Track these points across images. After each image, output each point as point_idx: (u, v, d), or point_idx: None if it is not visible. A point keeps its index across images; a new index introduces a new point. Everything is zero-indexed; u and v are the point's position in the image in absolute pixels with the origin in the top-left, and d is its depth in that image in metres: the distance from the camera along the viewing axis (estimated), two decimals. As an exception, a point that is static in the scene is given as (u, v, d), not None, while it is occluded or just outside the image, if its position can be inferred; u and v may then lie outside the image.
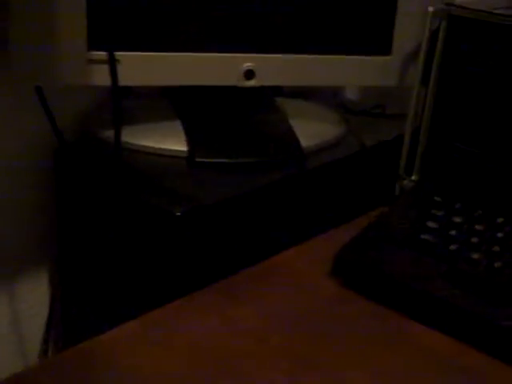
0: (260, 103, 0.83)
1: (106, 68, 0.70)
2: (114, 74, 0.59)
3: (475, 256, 0.60)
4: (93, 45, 0.68)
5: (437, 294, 0.57)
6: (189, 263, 0.67)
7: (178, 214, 0.64)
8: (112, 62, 0.58)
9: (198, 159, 0.73)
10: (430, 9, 0.72)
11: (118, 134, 0.71)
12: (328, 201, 0.78)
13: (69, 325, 0.89)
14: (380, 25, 0.78)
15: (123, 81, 0.71)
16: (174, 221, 0.64)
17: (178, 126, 0.77)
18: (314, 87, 0.92)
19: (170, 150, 0.74)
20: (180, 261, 0.67)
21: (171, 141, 0.75)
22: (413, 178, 0.78)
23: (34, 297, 0.89)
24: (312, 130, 0.81)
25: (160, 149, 0.75)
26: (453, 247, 0.61)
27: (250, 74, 0.74)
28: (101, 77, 0.70)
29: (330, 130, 0.83)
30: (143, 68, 0.71)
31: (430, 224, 0.65)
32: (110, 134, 0.75)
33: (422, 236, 0.63)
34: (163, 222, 0.65)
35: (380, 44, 0.78)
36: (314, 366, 0.54)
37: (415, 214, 0.67)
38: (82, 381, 0.51)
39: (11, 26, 0.66)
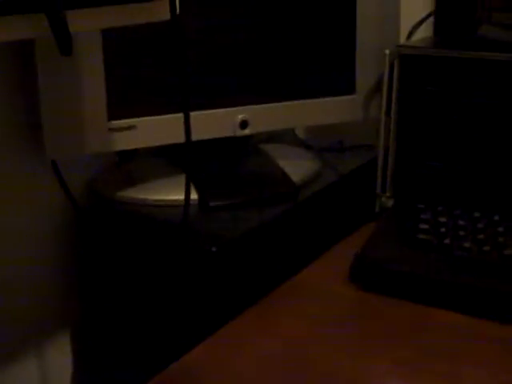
0: (247, 150, 0.95)
1: (124, 134, 0.80)
2: (187, 129, 0.69)
3: (467, 245, 0.73)
4: (112, 115, 0.79)
5: (451, 280, 0.69)
6: (224, 292, 0.77)
7: (214, 249, 0.74)
8: (187, 120, 0.68)
9: (211, 203, 0.83)
10: (387, 52, 0.87)
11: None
12: (321, 224, 0.90)
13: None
14: (343, 69, 0.92)
15: (140, 143, 0.81)
16: (211, 257, 0.74)
17: (183, 178, 0.87)
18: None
19: (181, 200, 0.84)
20: (217, 292, 0.76)
21: (181, 191, 0.85)
22: (387, 194, 0.92)
23: (58, 355, 0.95)
24: (295, 167, 0.93)
25: (172, 200, 0.84)
26: (446, 241, 0.74)
27: (244, 124, 0.86)
28: (121, 143, 0.80)
29: (310, 166, 0.95)
30: (156, 130, 0.81)
31: (422, 226, 0.78)
32: (120, 193, 0.85)
33: (419, 236, 0.76)
34: (200, 260, 0.75)
35: (345, 85, 0.92)
36: (370, 356, 0.64)
37: (408, 220, 0.80)
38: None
39: (41, 110, 0.75)
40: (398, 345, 0.66)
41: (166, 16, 0.58)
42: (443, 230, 0.76)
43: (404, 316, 0.70)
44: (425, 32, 1.08)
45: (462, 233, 0.75)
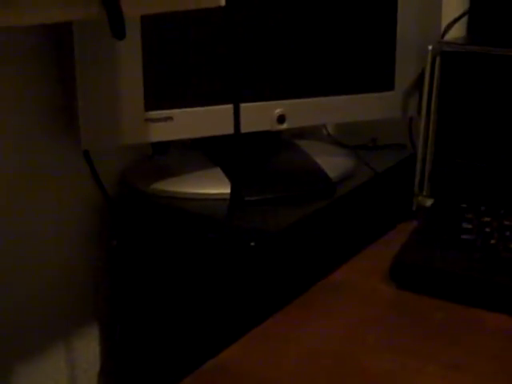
0: (281, 145, 0.93)
1: (160, 125, 0.78)
2: (237, 120, 0.67)
3: (512, 246, 0.72)
4: (149, 106, 0.77)
5: (498, 281, 0.67)
6: (262, 287, 0.75)
7: (253, 244, 0.72)
8: (236, 112, 0.67)
9: (246, 198, 0.81)
10: (430, 47, 0.85)
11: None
12: (358, 221, 0.88)
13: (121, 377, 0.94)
14: (383, 65, 0.90)
15: (176, 135, 0.80)
16: (250, 251, 0.73)
17: (217, 172, 0.86)
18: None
19: (217, 194, 0.83)
20: (256, 285, 0.75)
21: (217, 185, 0.83)
22: (424, 193, 0.90)
23: (87, 351, 0.94)
24: (331, 163, 0.91)
25: (207, 194, 0.83)
26: (492, 241, 0.72)
27: (281, 119, 0.84)
28: (157, 134, 0.78)
29: (346, 163, 0.93)
30: (192, 122, 0.80)
31: (465, 225, 0.76)
32: (153, 186, 0.84)
33: (463, 236, 0.74)
34: (239, 254, 0.73)
35: (384, 81, 0.90)
36: (415, 357, 0.62)
37: (450, 220, 0.78)
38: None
39: (79, 100, 0.74)
40: (443, 347, 0.64)
41: (217, 2, 0.56)
42: (488, 230, 0.74)
43: (447, 317, 0.68)
44: (457, 31, 1.06)
45: (508, 233, 0.73)
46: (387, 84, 0.90)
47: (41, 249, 0.85)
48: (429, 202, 0.89)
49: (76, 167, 0.86)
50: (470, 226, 0.75)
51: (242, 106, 0.82)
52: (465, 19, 1.10)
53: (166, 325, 0.84)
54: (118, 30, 0.47)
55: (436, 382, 0.59)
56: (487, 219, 0.76)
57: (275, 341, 0.64)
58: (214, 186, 0.83)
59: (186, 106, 0.79)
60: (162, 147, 0.91)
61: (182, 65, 0.78)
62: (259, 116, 0.83)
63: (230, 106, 0.80)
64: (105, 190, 0.86)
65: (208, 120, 0.80)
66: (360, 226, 0.88)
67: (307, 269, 0.78)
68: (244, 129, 0.83)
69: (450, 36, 1.07)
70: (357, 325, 0.67)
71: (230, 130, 0.82)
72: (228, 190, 0.82)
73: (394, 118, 0.92)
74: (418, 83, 0.91)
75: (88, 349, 0.93)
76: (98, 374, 0.94)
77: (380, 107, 0.90)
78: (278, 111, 0.84)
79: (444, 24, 1.06)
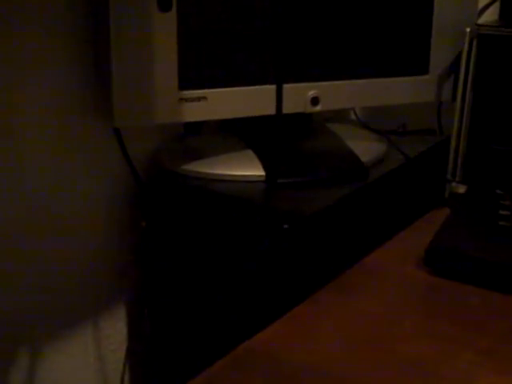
0: (312, 128, 0.92)
1: (194, 105, 0.77)
2: (279, 102, 0.66)
3: (551, 233, 0.70)
4: (183, 85, 0.76)
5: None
6: (297, 269, 0.75)
7: (286, 226, 0.72)
8: (279, 93, 0.66)
9: (279, 181, 0.81)
10: (468, 29, 0.83)
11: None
12: (390, 206, 0.87)
13: (149, 356, 0.94)
14: (418, 48, 0.89)
15: (210, 115, 0.79)
16: (283, 234, 0.72)
17: (249, 153, 0.85)
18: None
19: (249, 176, 0.82)
20: (289, 268, 0.74)
21: (248, 167, 0.83)
22: (457, 179, 0.88)
23: (114, 332, 0.93)
24: (363, 147, 0.90)
25: (239, 175, 0.82)
26: (530, 228, 0.71)
27: (315, 101, 0.83)
28: (190, 113, 0.77)
29: (378, 147, 0.92)
30: (226, 102, 0.79)
31: (503, 212, 0.74)
32: (184, 166, 0.83)
33: (500, 223, 0.73)
34: (272, 236, 0.73)
35: (419, 65, 0.89)
36: (451, 343, 0.61)
37: (486, 206, 0.77)
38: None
39: (113, 76, 0.73)
40: (479, 333, 0.63)
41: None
42: (525, 216, 0.73)
43: (483, 304, 0.67)
44: (489, 16, 1.05)
45: (545, 221, 0.72)
46: (422, 68, 0.89)
47: (70, 229, 0.84)
48: (461, 189, 0.88)
49: (107, 147, 0.85)
50: (507, 213, 0.74)
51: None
52: (496, 4, 1.09)
53: (195, 307, 0.84)
54: (164, 2, 0.46)
55: (472, 368, 0.58)
56: (524, 206, 0.75)
57: (308, 325, 0.64)
58: (246, 168, 0.82)
59: (220, 86, 0.78)
60: (195, 128, 0.90)
61: (217, 44, 0.77)
62: (293, 98, 0.82)
63: (265, 87, 0.80)
64: (135, 170, 0.86)
65: (243, 101, 0.79)
66: (392, 211, 0.87)
67: (340, 252, 0.78)
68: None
69: (481, 21, 1.05)
70: (391, 310, 0.67)
71: (265, 112, 0.81)
72: (260, 172, 0.82)
73: (427, 102, 0.91)
74: (452, 67, 0.90)
75: (116, 330, 0.93)
76: (126, 355, 0.94)
77: (414, 91, 0.89)
78: (311, 93, 0.83)
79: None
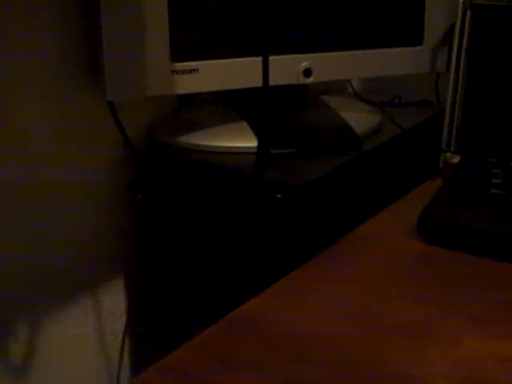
0: (306, 99, 0.92)
1: (186, 77, 0.78)
2: (265, 74, 0.66)
3: (542, 200, 0.71)
4: (175, 57, 0.76)
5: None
6: (289, 239, 0.75)
7: (279, 196, 0.72)
8: (265, 64, 0.66)
9: (272, 151, 0.81)
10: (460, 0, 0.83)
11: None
12: (384, 177, 0.88)
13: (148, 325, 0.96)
14: (412, 19, 0.88)
15: (202, 87, 0.79)
16: (276, 203, 0.72)
17: (243, 125, 0.86)
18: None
19: (243, 147, 0.82)
20: (282, 238, 0.75)
21: (243, 138, 0.83)
22: (452, 150, 0.88)
23: (112, 303, 0.94)
24: (357, 119, 0.90)
25: (234, 147, 0.83)
26: (522, 196, 0.71)
27: (308, 72, 0.83)
28: (183, 86, 0.78)
29: (372, 118, 0.92)
30: (218, 74, 0.79)
31: (495, 180, 0.75)
32: (178, 139, 0.84)
33: (493, 191, 0.73)
34: (265, 206, 0.73)
35: (413, 36, 0.89)
36: (442, 310, 0.61)
37: (478, 175, 0.77)
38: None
39: (104, 50, 0.73)
40: (469, 300, 0.63)
41: None
42: (517, 184, 0.73)
43: (473, 271, 0.68)
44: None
45: (536, 188, 0.72)
46: (416, 38, 0.89)
47: (66, 201, 0.85)
48: (455, 159, 0.88)
49: (102, 122, 0.85)
50: (499, 181, 0.74)
51: (271, 58, 0.81)
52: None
53: (191, 277, 0.85)
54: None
55: (460, 333, 0.58)
56: (516, 174, 0.75)
57: (298, 293, 0.64)
58: (240, 140, 0.83)
59: (212, 58, 0.78)
60: (189, 100, 0.90)
61: (208, 16, 0.77)
62: (285, 69, 0.82)
63: (257, 59, 0.79)
64: (130, 143, 0.86)
65: (234, 72, 0.79)
66: (386, 181, 0.87)
67: (333, 222, 0.78)
68: (270, 82, 0.82)
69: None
70: (383, 277, 0.67)
71: (257, 83, 0.81)
72: (254, 144, 0.82)
73: (421, 73, 0.90)
74: (446, 38, 0.90)
75: (114, 301, 0.94)
76: (125, 325, 0.95)
77: (408, 62, 0.89)
78: (304, 64, 0.83)
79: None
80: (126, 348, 0.97)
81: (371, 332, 0.59)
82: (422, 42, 0.89)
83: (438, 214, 0.71)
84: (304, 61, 0.83)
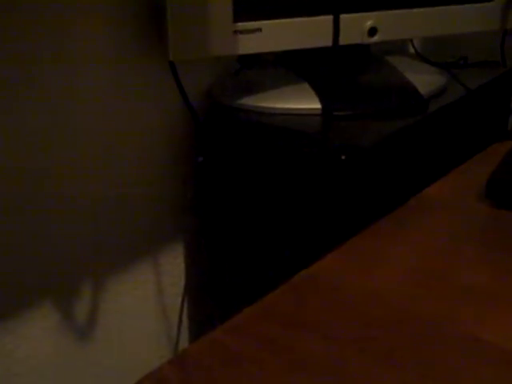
0: (370, 60, 0.90)
1: (249, 37, 0.76)
2: (336, 33, 0.65)
3: None
4: (237, 17, 0.75)
5: None
6: (355, 201, 0.74)
7: (343, 158, 0.71)
8: (336, 23, 0.64)
9: (335, 113, 0.79)
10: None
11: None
12: (450, 139, 0.85)
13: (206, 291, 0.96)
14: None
15: (265, 47, 0.78)
16: (341, 165, 0.71)
17: (305, 86, 0.84)
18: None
19: (306, 109, 0.81)
20: (347, 200, 0.74)
21: (305, 100, 0.82)
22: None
23: (172, 266, 0.95)
24: (422, 80, 0.88)
25: (296, 109, 0.81)
26: None
27: (373, 31, 0.81)
28: (245, 46, 0.76)
29: (437, 79, 0.90)
30: (281, 34, 0.78)
31: None
32: (239, 101, 0.83)
33: None
34: (329, 168, 0.72)
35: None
36: (508, 270, 0.60)
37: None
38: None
39: (167, 10, 0.72)
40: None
41: None
42: None
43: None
44: None
45: None
46: (486, -5, 0.86)
47: (127, 164, 0.85)
48: (526, 121, 0.85)
49: (163, 83, 0.85)
50: None
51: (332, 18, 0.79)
52: None
53: (252, 239, 0.84)
54: None
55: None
56: None
57: (367, 254, 0.63)
58: (302, 101, 0.81)
59: (275, 18, 0.77)
60: (249, 62, 0.89)
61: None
62: (350, 28, 0.80)
63: (321, 18, 0.78)
64: (191, 105, 0.86)
65: (298, 32, 0.77)
66: (452, 144, 0.85)
67: (398, 184, 0.76)
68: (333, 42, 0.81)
69: None
70: (452, 241, 0.66)
71: (321, 43, 0.79)
72: (316, 105, 0.81)
73: (491, 30, 0.87)
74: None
75: (174, 263, 0.94)
76: (184, 287, 0.96)
77: (478, 19, 0.86)
78: (369, 23, 0.81)
79: None
80: (185, 310, 0.98)
81: (439, 294, 0.57)
82: (491, -2, 0.86)
83: (507, 177, 0.69)
84: (369, 19, 0.81)
